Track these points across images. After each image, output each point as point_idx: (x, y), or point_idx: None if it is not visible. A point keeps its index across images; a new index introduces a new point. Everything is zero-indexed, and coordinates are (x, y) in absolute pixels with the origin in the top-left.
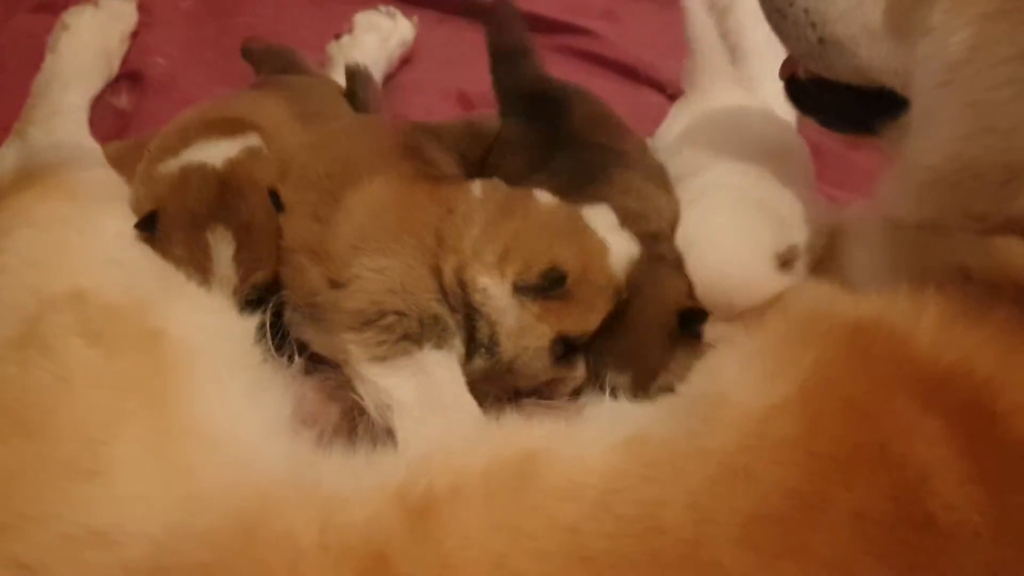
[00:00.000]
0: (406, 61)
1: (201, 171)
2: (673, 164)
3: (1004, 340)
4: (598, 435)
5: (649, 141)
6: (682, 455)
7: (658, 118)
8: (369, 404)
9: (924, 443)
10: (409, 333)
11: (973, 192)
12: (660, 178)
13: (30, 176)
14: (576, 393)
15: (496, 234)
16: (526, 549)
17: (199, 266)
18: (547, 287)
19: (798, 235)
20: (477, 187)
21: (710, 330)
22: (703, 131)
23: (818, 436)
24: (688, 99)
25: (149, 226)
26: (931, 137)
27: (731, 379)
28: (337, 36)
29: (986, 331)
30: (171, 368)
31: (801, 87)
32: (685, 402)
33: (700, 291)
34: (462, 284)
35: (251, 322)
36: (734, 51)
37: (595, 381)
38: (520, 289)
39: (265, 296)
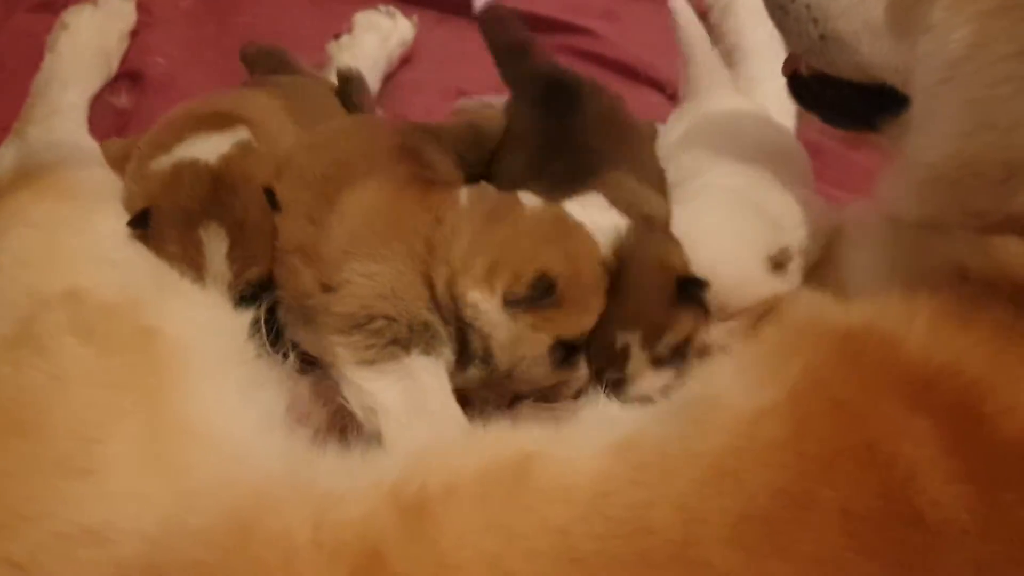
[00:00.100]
0: (406, 61)
1: (194, 167)
2: (671, 169)
3: (995, 341)
4: (590, 438)
5: (661, 127)
6: (672, 457)
7: (658, 118)
8: (355, 407)
9: (911, 443)
10: (398, 338)
11: (973, 190)
12: (657, 182)
13: (27, 175)
14: (578, 394)
15: (483, 246)
16: (518, 549)
17: (192, 263)
18: (537, 297)
19: (792, 237)
20: (464, 195)
21: (705, 333)
22: (700, 135)
23: (806, 437)
24: (685, 107)
25: (142, 223)
26: (931, 134)
27: (723, 384)
28: (337, 36)
29: (978, 332)
30: (165, 366)
31: (803, 83)
32: (676, 406)
33: None
34: (454, 298)
35: (245, 318)
36: (734, 51)
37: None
38: (510, 303)
39: (260, 292)
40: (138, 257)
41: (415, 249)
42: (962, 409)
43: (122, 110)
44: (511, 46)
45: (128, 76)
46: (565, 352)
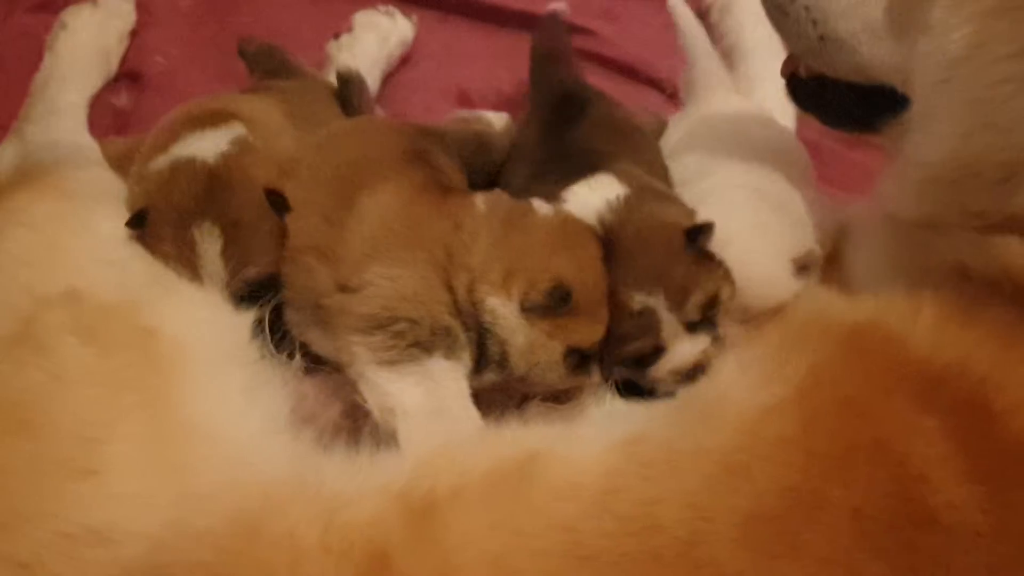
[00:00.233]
0: (406, 60)
1: (190, 166)
2: (674, 169)
3: (1000, 339)
4: (597, 436)
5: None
6: (680, 454)
7: None
8: (373, 407)
9: (922, 441)
10: (420, 341)
11: (972, 190)
12: (664, 179)
13: (26, 175)
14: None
15: (501, 252)
16: (525, 548)
17: (187, 262)
18: (554, 305)
19: (812, 240)
20: (481, 201)
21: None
22: (703, 136)
23: (815, 435)
24: (687, 109)
25: (139, 224)
26: (931, 134)
27: (730, 381)
28: (336, 35)
29: (982, 330)
30: (166, 365)
31: (802, 85)
32: (684, 403)
33: None
34: (473, 303)
35: (246, 318)
36: (733, 51)
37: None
38: (527, 309)
39: (260, 292)
40: (138, 257)
41: (435, 254)
42: (970, 408)
43: (122, 110)
44: (552, 52)
45: (128, 76)
46: (580, 358)
